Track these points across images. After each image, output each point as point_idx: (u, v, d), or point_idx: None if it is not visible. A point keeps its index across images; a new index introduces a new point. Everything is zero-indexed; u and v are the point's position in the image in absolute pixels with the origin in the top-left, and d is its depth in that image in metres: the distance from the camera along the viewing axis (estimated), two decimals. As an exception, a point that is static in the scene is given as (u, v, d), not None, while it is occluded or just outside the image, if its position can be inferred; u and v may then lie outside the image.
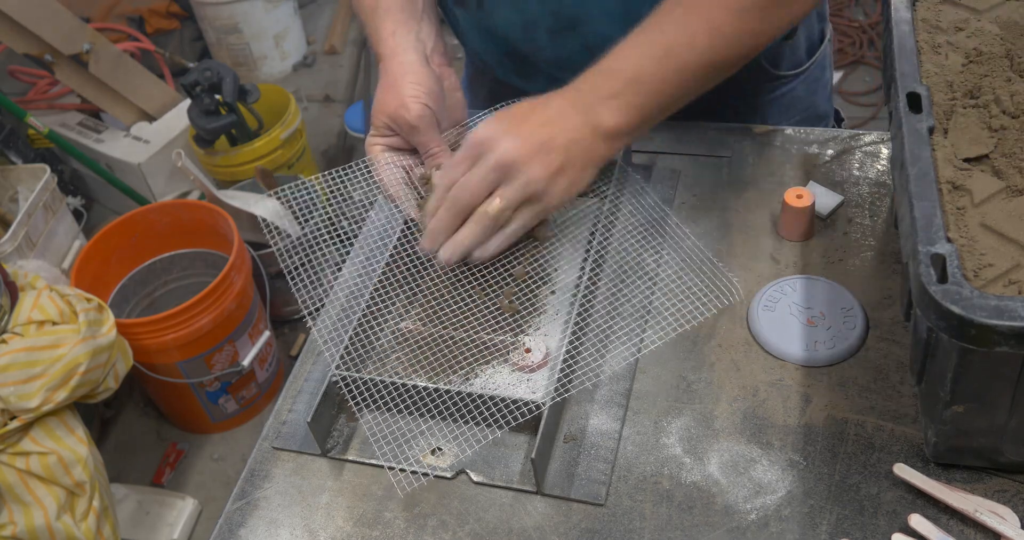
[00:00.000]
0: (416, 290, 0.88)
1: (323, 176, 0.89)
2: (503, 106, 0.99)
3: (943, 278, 0.56)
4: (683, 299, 0.78)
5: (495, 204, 0.78)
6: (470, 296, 0.85)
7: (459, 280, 0.87)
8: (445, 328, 0.83)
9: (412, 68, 0.86)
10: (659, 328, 0.77)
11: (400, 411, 0.79)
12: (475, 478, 0.75)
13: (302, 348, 0.94)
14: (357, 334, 0.81)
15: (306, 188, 0.89)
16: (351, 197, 0.90)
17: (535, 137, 0.77)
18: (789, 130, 1.01)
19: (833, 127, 1.15)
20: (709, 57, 0.78)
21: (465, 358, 0.80)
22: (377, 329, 0.84)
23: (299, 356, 0.88)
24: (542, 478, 0.73)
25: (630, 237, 0.88)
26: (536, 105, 0.80)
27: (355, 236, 0.94)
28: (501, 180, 0.78)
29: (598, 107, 0.78)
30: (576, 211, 0.94)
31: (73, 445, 1.43)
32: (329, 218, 0.91)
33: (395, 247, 0.89)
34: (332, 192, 0.89)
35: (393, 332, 0.85)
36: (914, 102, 0.68)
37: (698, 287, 0.79)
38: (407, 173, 0.88)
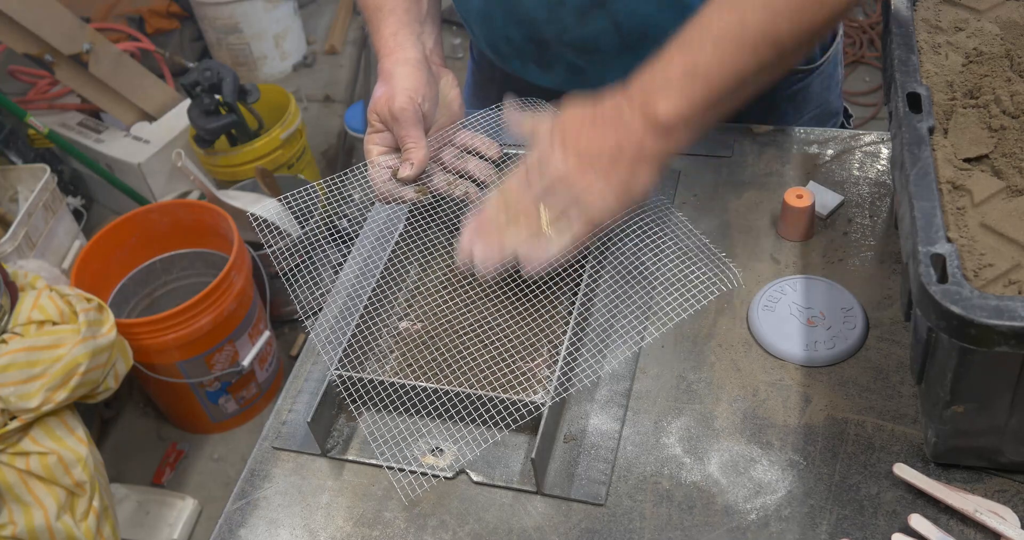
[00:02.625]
0: (416, 290, 0.88)
1: (325, 181, 0.89)
2: (510, 102, 0.98)
3: (943, 278, 0.56)
4: (683, 288, 0.77)
5: (543, 218, 0.76)
6: (472, 295, 0.84)
7: (462, 278, 0.87)
8: (445, 329, 0.83)
9: (408, 65, 0.86)
10: (661, 315, 0.76)
11: (400, 411, 0.79)
12: (475, 478, 0.75)
13: (302, 348, 0.94)
14: (355, 335, 0.81)
15: (308, 193, 0.88)
16: (351, 197, 0.90)
17: (584, 154, 0.75)
18: (789, 130, 1.01)
19: (843, 124, 1.15)
20: (767, 34, 0.73)
21: (464, 358, 0.80)
22: (375, 329, 0.84)
23: (299, 356, 0.88)
24: (542, 478, 0.73)
25: (629, 237, 0.88)
26: (590, 108, 0.77)
27: (354, 236, 0.94)
28: (554, 196, 0.76)
29: (652, 98, 0.74)
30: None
31: (73, 445, 1.43)
32: (327, 221, 0.91)
33: (395, 247, 0.89)
34: (332, 195, 0.89)
35: (391, 333, 0.85)
36: (914, 102, 0.68)
37: (697, 276, 0.78)
38: (394, 174, 0.88)
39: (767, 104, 1.05)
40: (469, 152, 0.92)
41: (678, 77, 0.74)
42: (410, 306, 0.87)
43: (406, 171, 0.85)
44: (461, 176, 0.90)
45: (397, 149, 0.88)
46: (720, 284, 0.77)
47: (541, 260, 0.76)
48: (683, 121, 0.74)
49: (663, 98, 0.74)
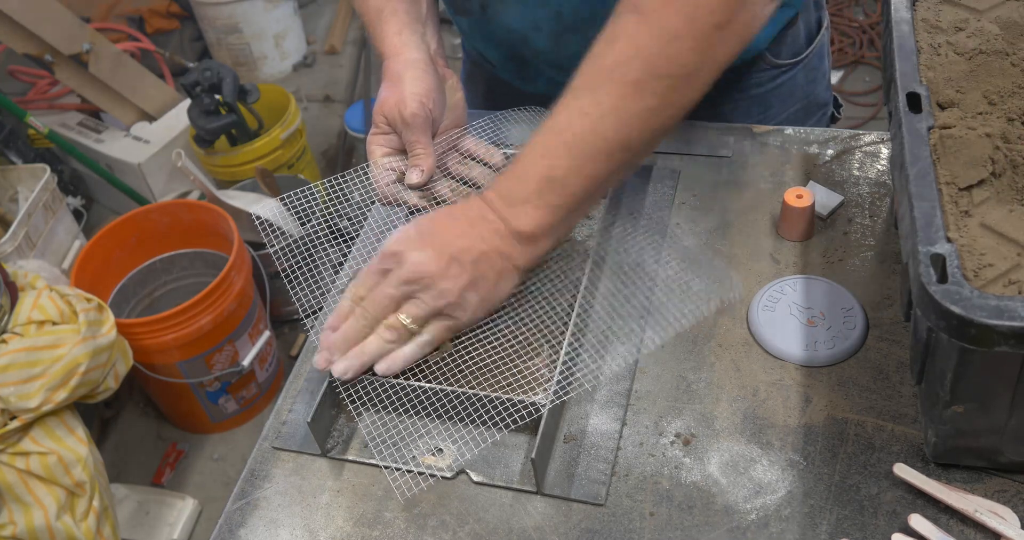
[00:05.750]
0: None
1: (326, 182, 0.89)
2: (509, 109, 0.98)
3: (943, 278, 0.56)
4: (683, 297, 0.78)
5: (402, 317, 0.75)
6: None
7: None
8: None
9: (415, 66, 0.86)
10: (659, 327, 0.77)
11: (400, 411, 0.79)
12: (475, 478, 0.75)
13: (302, 348, 0.94)
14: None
15: (309, 194, 0.89)
16: (351, 198, 0.90)
17: (447, 250, 0.74)
18: (789, 130, 1.01)
19: (833, 116, 1.15)
20: (619, 139, 0.74)
21: (464, 358, 0.80)
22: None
23: (299, 356, 0.88)
24: (542, 478, 0.73)
25: (629, 238, 0.88)
26: (451, 214, 0.77)
27: (354, 236, 0.94)
28: (411, 294, 0.75)
29: (513, 212, 0.75)
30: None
31: (73, 445, 1.43)
32: (327, 221, 0.91)
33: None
34: (333, 195, 0.89)
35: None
36: (914, 102, 0.68)
37: (698, 285, 0.79)
38: (399, 176, 0.88)
39: (754, 100, 1.05)
40: (473, 158, 0.92)
41: (536, 190, 0.74)
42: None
43: (414, 177, 0.85)
44: (464, 182, 0.90)
45: (401, 151, 0.88)
46: (721, 295, 0.77)
47: (400, 362, 0.76)
48: (545, 232, 0.76)
49: (523, 214, 0.75)
